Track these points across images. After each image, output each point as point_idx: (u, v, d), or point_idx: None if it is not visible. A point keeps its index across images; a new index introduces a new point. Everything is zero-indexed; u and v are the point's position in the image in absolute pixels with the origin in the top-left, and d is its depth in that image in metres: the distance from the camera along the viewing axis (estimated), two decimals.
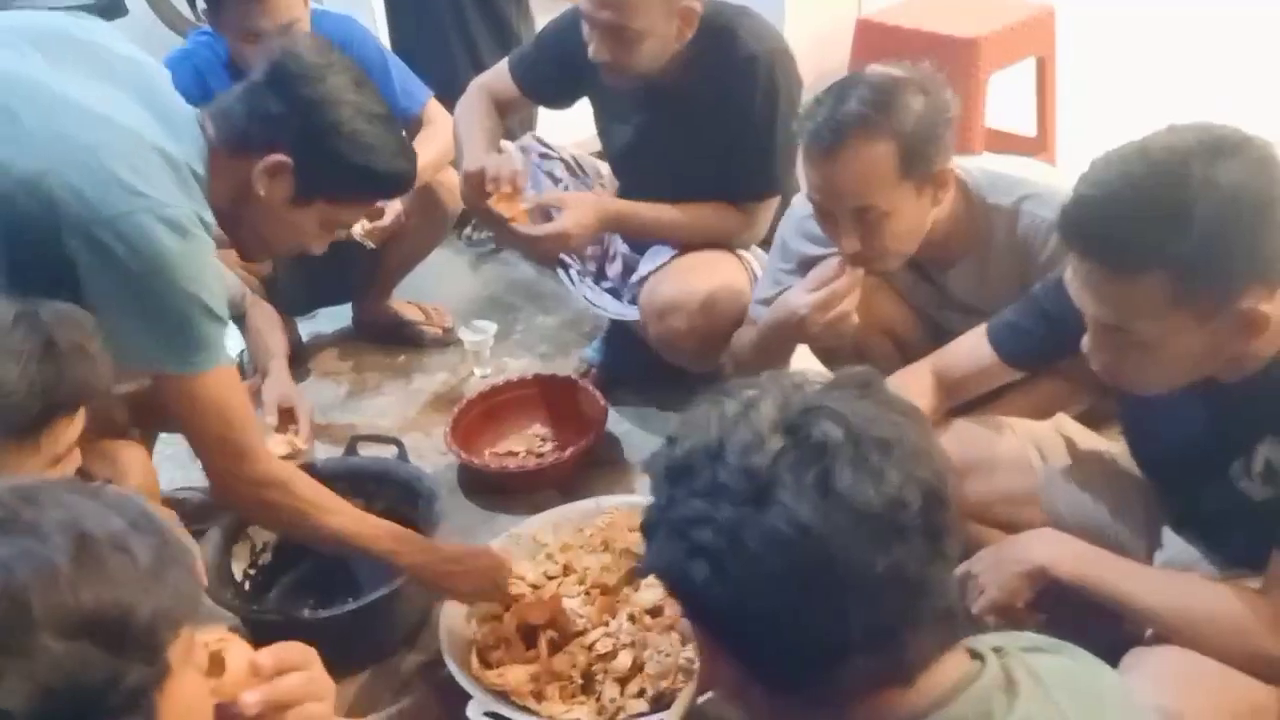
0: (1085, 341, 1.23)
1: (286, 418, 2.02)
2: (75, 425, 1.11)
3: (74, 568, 0.67)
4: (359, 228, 2.27)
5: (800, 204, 1.83)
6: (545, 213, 2.10)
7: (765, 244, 2.07)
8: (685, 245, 2.12)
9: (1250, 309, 1.12)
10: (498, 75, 2.27)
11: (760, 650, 0.76)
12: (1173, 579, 1.32)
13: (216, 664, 0.85)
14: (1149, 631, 1.28)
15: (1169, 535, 1.43)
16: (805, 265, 1.79)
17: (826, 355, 1.88)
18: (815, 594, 0.72)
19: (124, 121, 1.39)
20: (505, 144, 2.31)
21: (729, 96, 2.00)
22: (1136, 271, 1.12)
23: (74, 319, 1.13)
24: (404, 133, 1.60)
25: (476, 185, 2.03)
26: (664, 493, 0.78)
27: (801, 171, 1.63)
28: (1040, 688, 0.79)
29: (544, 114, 2.73)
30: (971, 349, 1.56)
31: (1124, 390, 1.29)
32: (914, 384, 1.53)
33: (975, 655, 0.80)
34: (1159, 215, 1.10)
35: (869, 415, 0.76)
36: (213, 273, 1.43)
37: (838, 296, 1.65)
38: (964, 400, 1.59)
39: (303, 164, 1.45)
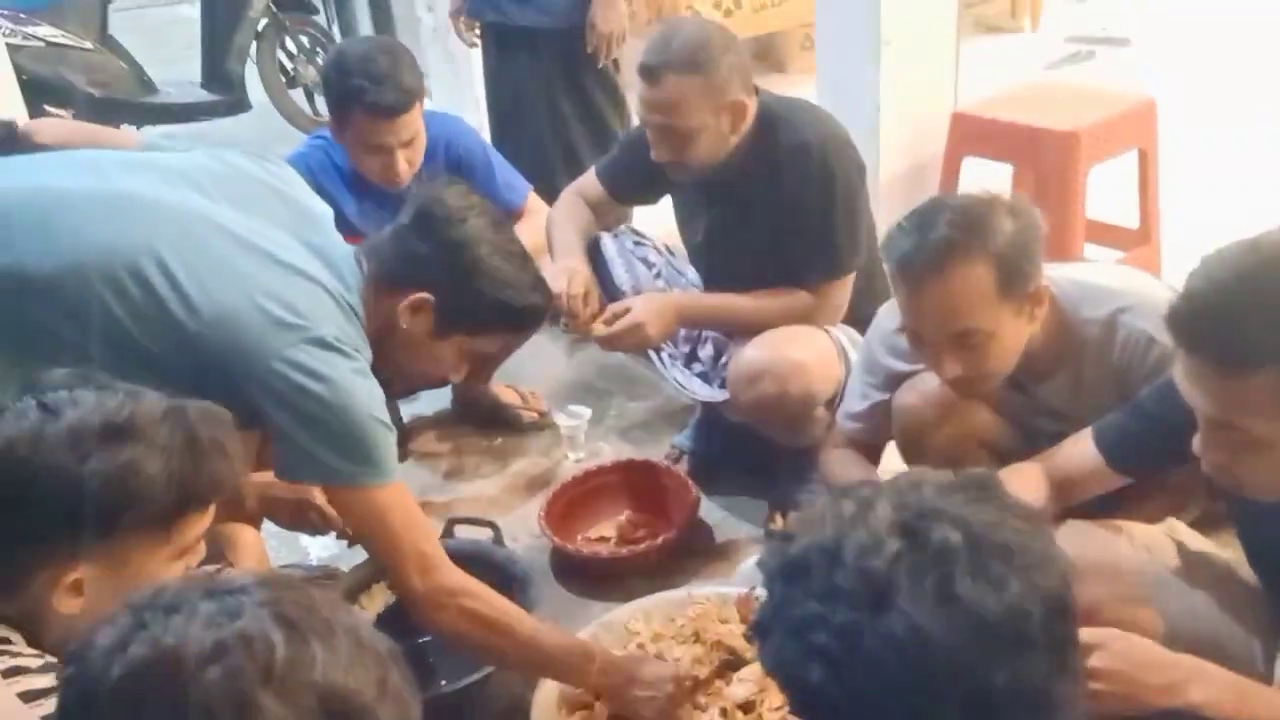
0: (1196, 441, 1.21)
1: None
2: (205, 519, 1.16)
3: (349, 659, 0.76)
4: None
5: (887, 317, 1.83)
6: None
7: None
8: (760, 330, 2.14)
9: None
10: (587, 179, 2.39)
11: None
12: None
13: None
14: None
15: None
16: (894, 381, 1.79)
17: (918, 466, 1.86)
18: (933, 703, 0.71)
19: (289, 260, 1.52)
20: (602, 235, 2.39)
21: (783, 185, 2.06)
22: (1247, 369, 1.11)
23: (216, 416, 1.18)
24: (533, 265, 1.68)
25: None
26: (779, 591, 0.78)
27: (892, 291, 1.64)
28: None
29: (638, 211, 2.80)
30: (1079, 452, 1.53)
31: (1236, 493, 1.25)
32: (1027, 483, 1.51)
33: None
34: (1268, 311, 1.09)
35: (989, 520, 0.75)
36: (378, 388, 1.53)
37: None
38: (1074, 503, 1.55)
39: (444, 300, 1.57)
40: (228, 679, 0.72)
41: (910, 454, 1.82)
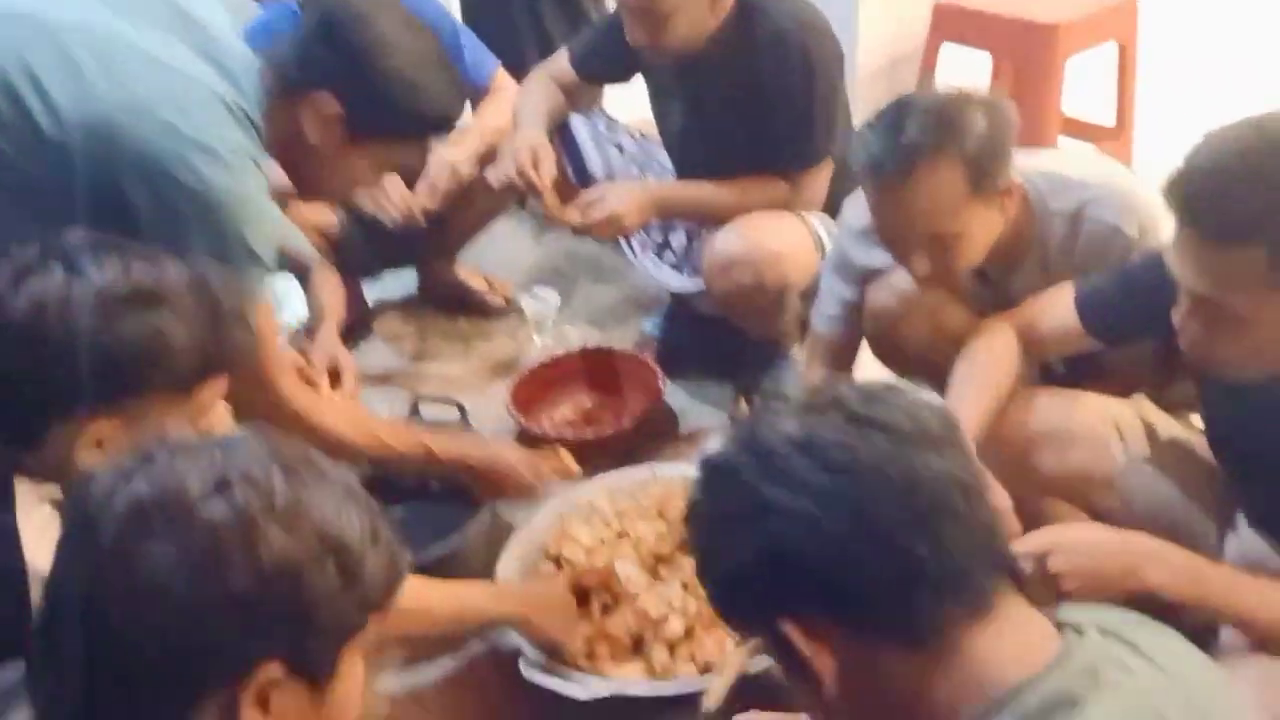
0: (1176, 315, 1.22)
1: (333, 378, 2.05)
2: (223, 382, 1.18)
3: (342, 507, 0.79)
4: (423, 201, 2.31)
5: (854, 216, 1.80)
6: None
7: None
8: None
9: None
10: (558, 60, 2.33)
11: (848, 590, 0.78)
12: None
13: None
14: (1225, 636, 1.26)
15: (1244, 525, 1.41)
16: (865, 277, 1.78)
17: (892, 364, 1.87)
18: (877, 500, 0.78)
19: (185, 69, 1.43)
20: (573, 117, 2.34)
21: (760, 72, 2.02)
22: (1236, 243, 1.12)
23: (236, 286, 1.20)
24: (457, 77, 1.61)
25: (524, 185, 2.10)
26: (707, 502, 0.84)
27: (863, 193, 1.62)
28: (1148, 664, 0.79)
29: (609, 94, 2.74)
30: (1055, 310, 1.53)
31: (1208, 369, 1.26)
32: (998, 342, 1.52)
33: (1076, 629, 0.80)
34: (1265, 188, 1.10)
35: (869, 384, 0.88)
36: (262, 212, 1.47)
37: None
38: (1040, 359, 1.57)
39: (354, 108, 1.48)
40: (233, 509, 0.75)
41: (883, 352, 1.83)
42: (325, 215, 2.44)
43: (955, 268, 1.58)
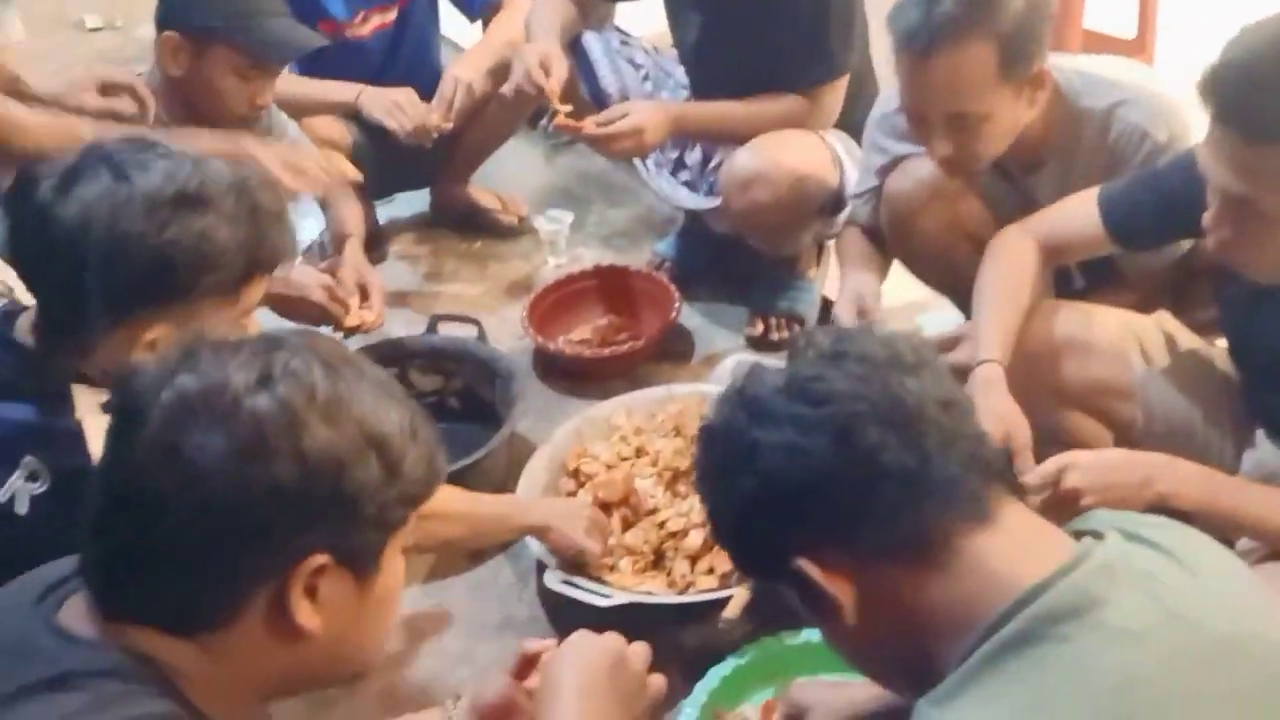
0: (1207, 216, 1.21)
1: (361, 294, 2.06)
2: (264, 285, 1.20)
3: (381, 403, 0.81)
4: (435, 117, 2.29)
5: (886, 100, 1.81)
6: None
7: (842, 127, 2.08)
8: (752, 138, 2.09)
9: None
10: None
11: (851, 512, 0.81)
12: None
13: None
14: (1241, 546, 1.28)
15: (1261, 438, 1.42)
16: (893, 165, 1.77)
17: (908, 259, 1.87)
18: (863, 425, 0.80)
19: None
20: (586, 33, 2.30)
21: None
22: (1272, 140, 1.11)
23: (274, 187, 1.22)
24: None
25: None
26: (705, 463, 0.88)
27: (893, 71, 1.61)
28: (1171, 561, 0.79)
29: (622, 10, 2.68)
30: (1077, 215, 1.52)
31: (1238, 272, 1.26)
32: (1019, 257, 1.52)
33: (1095, 535, 0.81)
34: None
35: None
36: None
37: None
38: (1062, 264, 1.57)
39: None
40: (276, 400, 0.76)
41: (897, 240, 1.82)
42: (339, 132, 2.42)
43: (977, 154, 1.57)
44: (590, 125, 2.05)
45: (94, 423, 1.11)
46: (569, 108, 2.13)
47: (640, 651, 1.03)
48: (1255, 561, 1.26)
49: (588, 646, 1.00)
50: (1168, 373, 1.49)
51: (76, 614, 0.80)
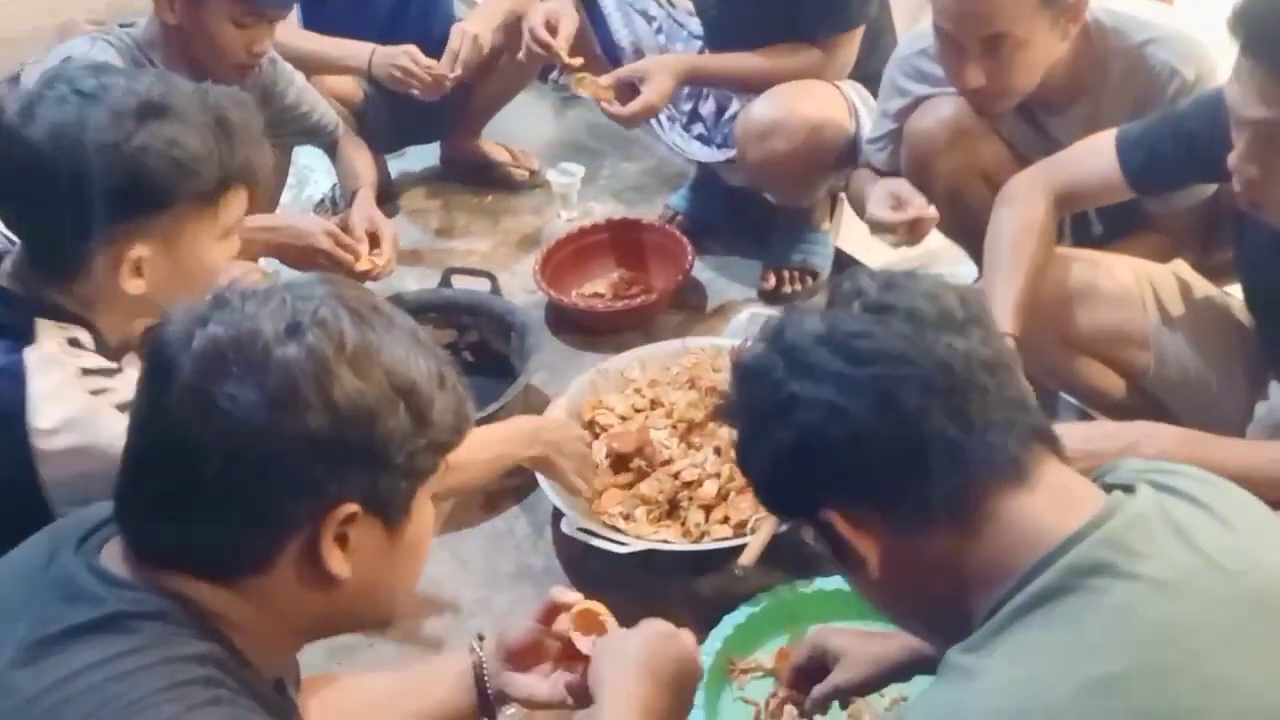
0: (1233, 156, 1.20)
1: (372, 241, 2.05)
2: (242, 201, 1.20)
3: (410, 351, 0.81)
4: (443, 68, 2.27)
5: (908, 43, 1.80)
6: (629, 83, 2.10)
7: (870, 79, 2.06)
8: (768, 88, 2.08)
9: None
10: None
11: (886, 473, 0.80)
12: None
13: (592, 621, 1.06)
14: None
15: (1275, 388, 1.42)
16: (912, 108, 1.75)
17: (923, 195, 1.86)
18: (905, 385, 0.78)
19: None
20: None
21: None
22: None
23: (241, 100, 1.21)
24: None
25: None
26: (742, 404, 0.86)
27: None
28: (1208, 514, 0.79)
29: None
30: (1094, 161, 1.50)
31: (1261, 215, 1.26)
32: (1025, 203, 1.50)
33: (1125, 488, 0.81)
34: None
35: (885, 273, 0.86)
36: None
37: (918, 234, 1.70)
38: (1075, 211, 1.56)
39: None
40: (306, 351, 0.76)
41: (916, 180, 1.82)
42: (350, 87, 2.41)
43: (1008, 86, 1.56)
44: (606, 94, 2.07)
45: (62, 357, 1.12)
46: (579, 61, 2.12)
47: (690, 637, 1.04)
48: None
49: (645, 632, 1.01)
50: (1182, 321, 1.48)
51: (115, 558, 0.81)
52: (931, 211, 1.67)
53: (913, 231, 1.70)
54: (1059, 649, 0.73)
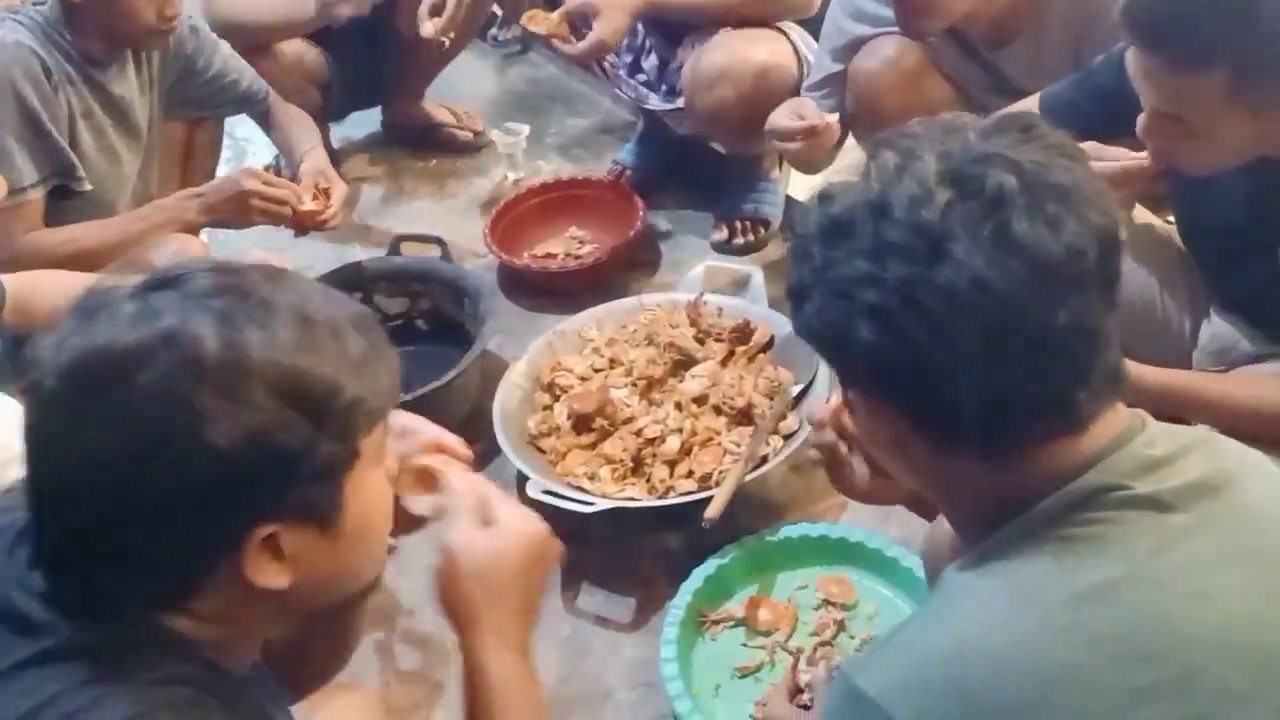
0: (1140, 124, 1.23)
1: (322, 197, 2.00)
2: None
3: (294, 339, 0.71)
4: (429, 26, 2.21)
5: None
6: (580, 17, 2.06)
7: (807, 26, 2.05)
8: (729, 20, 2.06)
9: None
10: None
11: (933, 409, 0.75)
12: (1251, 377, 1.34)
13: (427, 479, 0.91)
14: None
15: (1215, 312, 1.45)
16: (854, 49, 1.75)
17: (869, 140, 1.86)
18: (996, 351, 0.71)
19: None
20: None
21: None
22: (1198, 66, 1.12)
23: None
24: None
25: None
26: (819, 253, 0.75)
27: None
28: (1202, 447, 0.79)
29: None
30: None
31: (1177, 169, 1.28)
32: None
33: (1138, 415, 0.79)
34: (1226, 11, 1.09)
35: (1039, 160, 0.72)
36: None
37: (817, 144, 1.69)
38: None
39: None
40: (161, 382, 0.68)
41: (862, 123, 1.82)
42: (315, 62, 2.35)
43: (937, 3, 1.56)
44: (559, 30, 2.04)
45: None
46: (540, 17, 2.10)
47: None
48: None
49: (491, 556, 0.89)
50: (1127, 247, 1.50)
51: None
52: (832, 121, 1.67)
53: (811, 140, 1.69)
54: (1052, 564, 0.73)
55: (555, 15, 2.07)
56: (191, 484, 0.69)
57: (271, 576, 0.73)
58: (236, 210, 1.86)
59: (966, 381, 0.72)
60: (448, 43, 2.24)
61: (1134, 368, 1.28)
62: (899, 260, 0.71)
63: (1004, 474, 0.76)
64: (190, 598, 0.73)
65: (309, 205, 1.91)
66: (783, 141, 1.74)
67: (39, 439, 0.71)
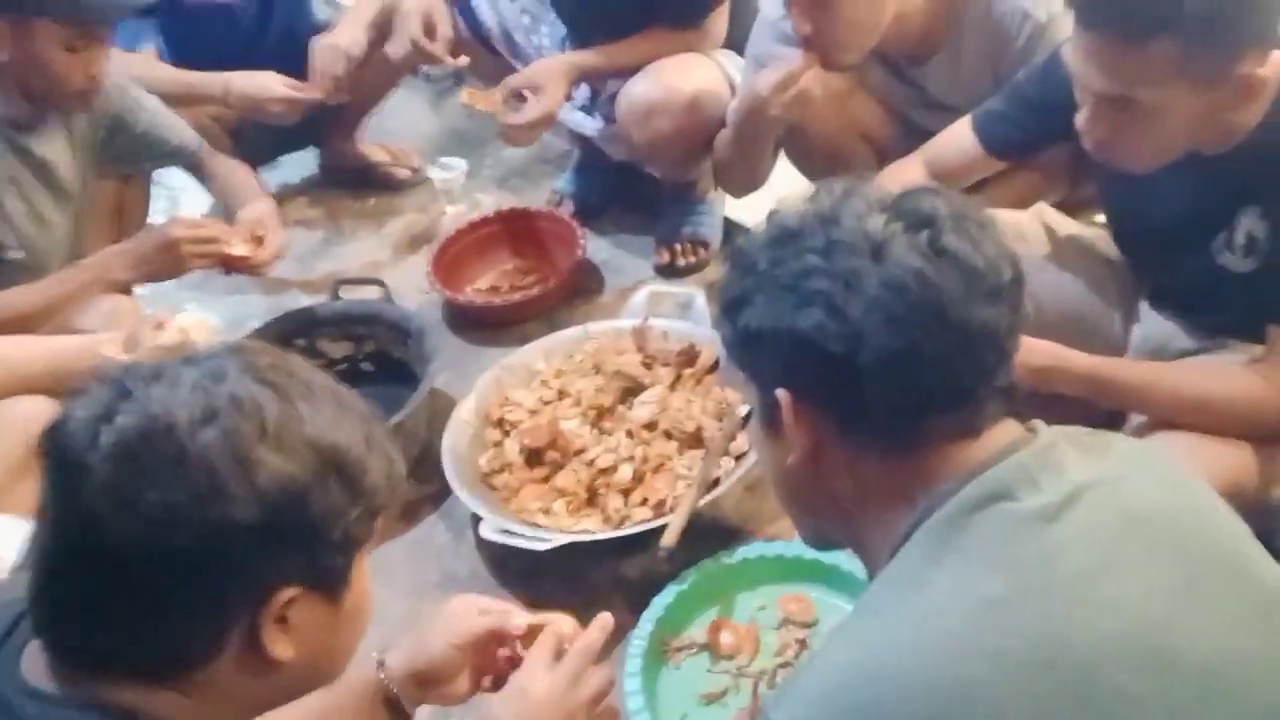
0: (1080, 118, 1.24)
1: (254, 244, 1.97)
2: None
3: (333, 417, 0.77)
4: (321, 94, 2.21)
5: (770, 8, 1.81)
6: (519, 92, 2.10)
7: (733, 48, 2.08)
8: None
9: (1249, 74, 1.14)
10: None
11: (856, 401, 0.80)
12: (1181, 367, 1.36)
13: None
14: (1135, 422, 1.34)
15: (1146, 310, 1.49)
16: None
17: (802, 161, 1.88)
18: (926, 339, 0.78)
19: None
20: None
21: None
22: (1146, 37, 1.13)
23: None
24: None
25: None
26: (767, 257, 0.83)
27: None
28: (1091, 454, 0.83)
29: None
30: (957, 140, 1.57)
31: (1112, 167, 1.31)
32: (906, 175, 1.54)
33: (1030, 429, 0.84)
34: None
35: (961, 200, 0.84)
36: None
37: (793, 77, 1.67)
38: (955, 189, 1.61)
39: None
40: (225, 437, 0.72)
41: (795, 144, 1.83)
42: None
43: (836, 36, 1.59)
44: (501, 109, 2.10)
45: None
46: (465, 60, 2.17)
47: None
48: (1143, 435, 1.33)
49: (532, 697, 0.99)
50: (1051, 261, 1.54)
51: (38, 667, 0.76)
52: (800, 59, 1.67)
53: (798, 77, 1.68)
54: (947, 580, 0.76)
55: (497, 93, 2.11)
56: (237, 532, 0.72)
57: (280, 647, 0.76)
58: (168, 262, 1.83)
59: (893, 368, 0.78)
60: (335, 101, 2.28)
61: (1066, 352, 1.32)
62: (845, 255, 0.79)
63: (905, 477, 0.81)
64: (192, 666, 0.75)
65: (239, 249, 1.88)
66: (780, 93, 1.71)
67: (83, 500, 0.72)
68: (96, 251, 1.94)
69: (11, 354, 1.53)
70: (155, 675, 0.75)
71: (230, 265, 1.91)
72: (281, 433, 0.74)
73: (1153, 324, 1.48)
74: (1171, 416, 1.29)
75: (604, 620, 1.08)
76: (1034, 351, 1.27)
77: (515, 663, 1.06)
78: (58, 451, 0.74)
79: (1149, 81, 1.16)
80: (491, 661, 1.08)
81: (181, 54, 2.35)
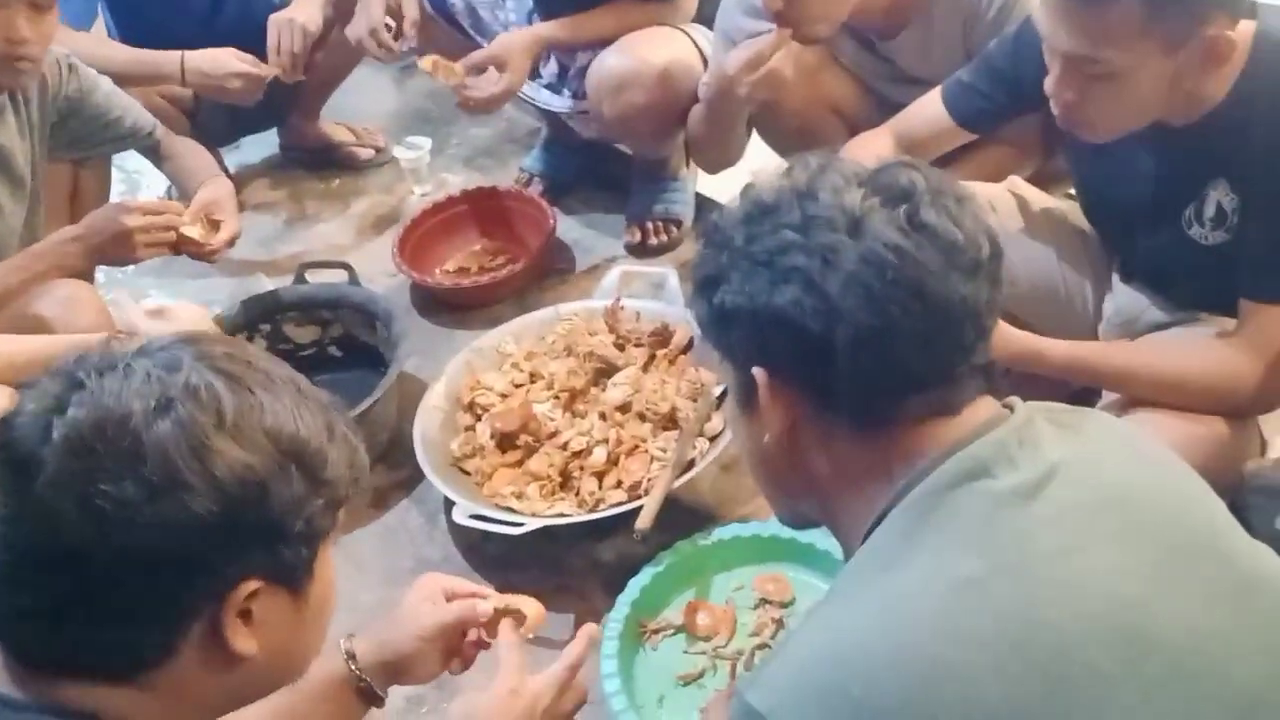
0: (1049, 82, 1.24)
1: (208, 227, 1.90)
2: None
3: (293, 407, 0.75)
4: (280, 72, 2.16)
5: None
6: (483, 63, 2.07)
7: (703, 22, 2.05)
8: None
9: (1216, 36, 1.14)
10: None
11: (833, 377, 0.79)
12: (1155, 346, 1.37)
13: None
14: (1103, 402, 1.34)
15: (1118, 282, 1.49)
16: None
17: (773, 136, 1.86)
18: (904, 315, 0.77)
19: None
20: None
21: None
22: None
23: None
24: None
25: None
26: (742, 233, 0.81)
27: None
28: (1067, 431, 0.82)
29: None
30: (927, 111, 1.56)
31: (1080, 136, 1.30)
32: (874, 146, 1.53)
33: (1007, 406, 0.84)
34: None
35: (938, 174, 0.82)
36: None
37: (761, 56, 1.65)
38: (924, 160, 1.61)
39: None
40: (181, 428, 0.71)
41: (767, 119, 1.81)
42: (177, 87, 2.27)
43: (806, 7, 1.57)
44: (461, 78, 2.05)
45: None
46: (431, 60, 2.10)
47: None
48: (1118, 412, 1.33)
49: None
50: (1024, 234, 1.54)
51: None
52: (771, 36, 1.66)
53: (767, 54, 1.67)
54: (921, 561, 0.75)
55: (458, 66, 2.06)
56: (197, 524, 0.70)
57: (243, 642, 0.75)
58: (121, 249, 1.78)
59: (871, 344, 0.77)
60: (295, 79, 2.23)
61: (1042, 342, 1.32)
62: (823, 229, 0.78)
63: (883, 455, 0.80)
64: (153, 663, 0.74)
65: (191, 232, 1.83)
66: (749, 73, 1.68)
67: (36, 498, 0.70)
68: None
69: (11, 353, 1.50)
70: (116, 674, 0.74)
71: (181, 248, 1.86)
72: (239, 422, 0.72)
73: (1124, 296, 1.48)
74: (1150, 397, 1.29)
75: (589, 631, 1.10)
76: (1010, 341, 1.28)
77: (482, 646, 1.09)
78: (8, 446, 0.72)
79: (1114, 42, 1.16)
80: (458, 646, 1.11)
81: (132, 32, 2.29)
